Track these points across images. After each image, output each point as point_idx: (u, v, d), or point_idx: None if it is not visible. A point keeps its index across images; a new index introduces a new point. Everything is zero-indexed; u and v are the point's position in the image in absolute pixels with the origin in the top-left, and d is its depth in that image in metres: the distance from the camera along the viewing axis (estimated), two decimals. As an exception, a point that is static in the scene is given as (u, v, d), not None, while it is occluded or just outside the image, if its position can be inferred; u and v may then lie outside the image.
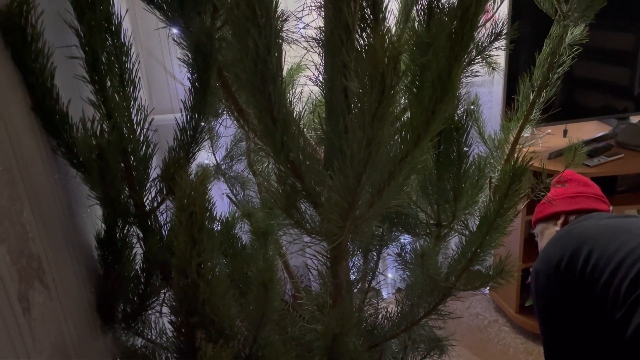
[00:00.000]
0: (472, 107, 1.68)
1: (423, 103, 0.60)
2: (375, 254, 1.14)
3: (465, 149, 0.97)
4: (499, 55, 2.14)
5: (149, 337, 1.03)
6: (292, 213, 0.70)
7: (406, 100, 0.77)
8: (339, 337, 0.78)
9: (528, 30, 1.87)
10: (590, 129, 2.26)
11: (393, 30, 0.95)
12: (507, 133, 1.48)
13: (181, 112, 0.89)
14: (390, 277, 2.17)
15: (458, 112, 0.95)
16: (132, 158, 0.89)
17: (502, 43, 1.21)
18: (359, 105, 0.56)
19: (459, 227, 1.05)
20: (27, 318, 0.64)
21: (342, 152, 0.63)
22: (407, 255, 0.99)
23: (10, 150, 0.67)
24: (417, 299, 0.97)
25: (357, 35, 0.66)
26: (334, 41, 0.65)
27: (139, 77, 0.90)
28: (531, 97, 1.37)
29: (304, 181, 0.66)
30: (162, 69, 1.93)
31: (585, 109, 2.14)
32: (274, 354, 0.84)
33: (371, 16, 0.68)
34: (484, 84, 2.20)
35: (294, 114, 0.62)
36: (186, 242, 0.63)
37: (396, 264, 1.01)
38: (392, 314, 1.05)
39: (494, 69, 1.38)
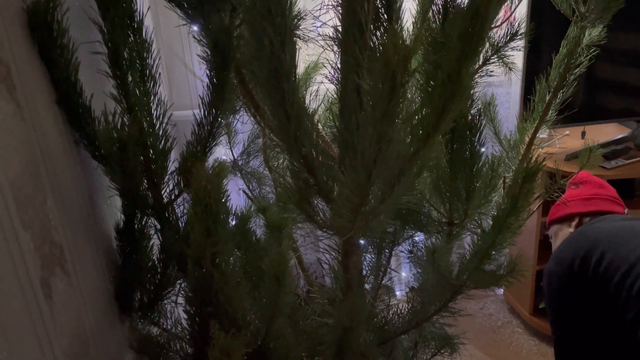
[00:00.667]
0: (487, 106, 1.69)
1: (433, 101, 0.61)
2: (387, 251, 1.16)
3: (479, 148, 0.98)
4: (516, 56, 2.13)
5: (164, 326, 1.05)
6: (305, 207, 0.71)
7: (418, 99, 0.78)
8: (349, 331, 0.79)
9: (547, 31, 1.86)
10: (609, 131, 2.24)
11: (408, 30, 0.96)
12: (523, 134, 1.48)
13: (199, 107, 0.91)
14: (403, 275, 2.18)
15: (472, 111, 0.96)
16: (152, 151, 0.92)
17: (519, 43, 1.21)
18: (370, 102, 0.57)
19: (472, 226, 1.06)
20: (49, 303, 0.67)
21: (353, 148, 0.64)
22: (419, 252, 1.00)
23: (36, 142, 0.70)
24: (429, 296, 0.98)
25: (371, 35, 0.68)
26: (348, 40, 0.67)
27: (159, 73, 0.92)
28: (547, 98, 1.36)
29: (316, 176, 0.68)
30: (182, 66, 1.96)
31: (604, 111, 2.12)
32: (285, 345, 0.85)
33: (385, 16, 0.69)
34: (502, 84, 2.19)
35: (308, 110, 0.63)
36: (201, 233, 0.66)
37: (408, 261, 1.02)
38: (403, 311, 1.07)
39: (510, 69, 1.38)
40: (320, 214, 0.73)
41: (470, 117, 0.95)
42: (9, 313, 0.57)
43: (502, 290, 2.41)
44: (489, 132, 1.69)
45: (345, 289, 0.86)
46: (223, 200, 0.63)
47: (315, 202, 0.72)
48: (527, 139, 1.44)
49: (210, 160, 0.99)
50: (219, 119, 0.92)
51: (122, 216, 0.95)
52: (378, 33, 0.69)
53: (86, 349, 0.79)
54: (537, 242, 2.07)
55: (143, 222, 0.96)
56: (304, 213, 0.71)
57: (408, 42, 0.52)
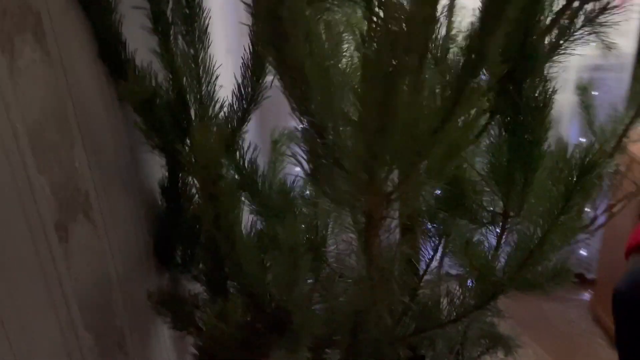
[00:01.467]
0: (583, 91, 1.51)
1: (456, 71, 0.54)
2: (436, 239, 1.08)
3: (543, 133, 0.87)
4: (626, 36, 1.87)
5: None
6: (316, 178, 0.68)
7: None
8: (359, 315, 0.75)
9: (671, 10, 1.62)
10: None
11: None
12: (622, 124, 1.32)
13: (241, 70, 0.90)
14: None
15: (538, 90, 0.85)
16: (195, 113, 0.92)
17: (614, 18, 1.05)
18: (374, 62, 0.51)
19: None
20: (63, 246, 0.70)
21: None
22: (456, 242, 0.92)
23: (66, 91, 0.72)
24: (466, 291, 0.91)
25: None
26: None
27: (209, 33, 0.91)
28: (650, 86, 1.19)
29: (327, 141, 0.63)
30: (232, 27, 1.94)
31: None
32: (299, 319, 0.83)
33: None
34: (613, 68, 1.96)
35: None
36: (204, 197, 0.64)
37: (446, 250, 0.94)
38: (442, 303, 0.99)
39: (609, 48, 1.21)
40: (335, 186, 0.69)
41: (537, 95, 0.84)
42: (10, 251, 0.59)
43: (588, 296, 2.20)
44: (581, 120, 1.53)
45: (368, 268, 0.81)
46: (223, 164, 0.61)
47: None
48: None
49: (251, 126, 0.97)
50: (260, 83, 0.90)
51: (166, 173, 0.98)
52: None
53: (108, 295, 0.82)
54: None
55: (185, 182, 0.98)
56: (314, 184, 0.67)
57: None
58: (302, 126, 0.64)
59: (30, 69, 0.64)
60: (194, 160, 0.61)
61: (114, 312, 0.84)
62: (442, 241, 1.11)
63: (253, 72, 0.89)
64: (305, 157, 0.67)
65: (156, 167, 1.02)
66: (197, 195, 0.94)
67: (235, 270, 0.74)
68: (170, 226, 1.01)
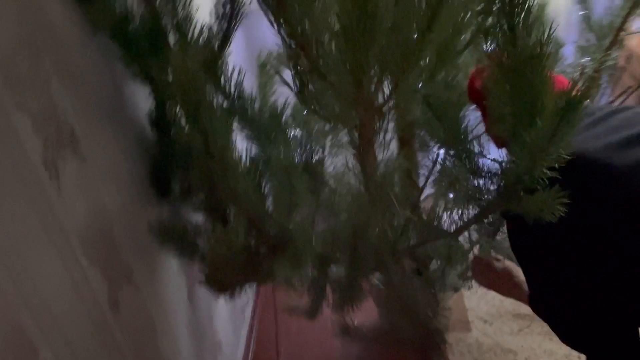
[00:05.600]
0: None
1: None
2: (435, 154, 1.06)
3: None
4: None
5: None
6: (303, 96, 0.65)
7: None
8: (359, 228, 0.75)
9: None
10: None
11: None
12: (619, 16, 1.27)
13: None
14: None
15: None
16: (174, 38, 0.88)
17: None
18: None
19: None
20: (56, 182, 0.69)
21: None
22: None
23: (35, 23, 0.68)
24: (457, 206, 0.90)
25: None
26: None
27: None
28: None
29: (309, 54, 0.61)
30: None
31: None
32: (301, 238, 0.84)
33: None
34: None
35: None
36: (189, 122, 0.63)
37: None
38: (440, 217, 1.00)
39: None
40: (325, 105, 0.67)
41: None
42: (4, 192, 0.58)
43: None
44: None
45: (364, 183, 0.81)
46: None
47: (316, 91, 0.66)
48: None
49: (239, 51, 0.94)
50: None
51: (154, 103, 0.95)
52: None
53: (108, 229, 0.82)
54: None
55: (174, 110, 0.95)
56: (303, 103, 0.65)
57: None
58: (287, 44, 0.61)
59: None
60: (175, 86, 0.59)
61: (118, 246, 0.85)
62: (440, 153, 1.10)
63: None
64: (292, 76, 0.64)
65: (143, 98, 1.00)
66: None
67: (231, 196, 0.74)
68: (164, 157, 1.00)
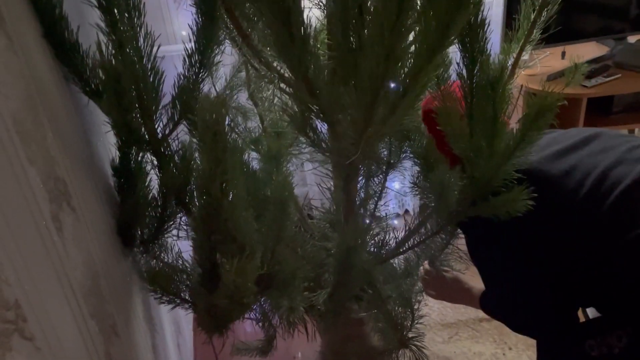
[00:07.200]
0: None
1: (438, 17, 0.61)
2: (382, 176, 1.17)
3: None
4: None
5: (165, 260, 1.07)
6: (308, 133, 0.72)
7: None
8: (353, 250, 0.82)
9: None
10: (588, 50, 2.26)
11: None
12: (507, 55, 1.49)
13: (182, 40, 0.89)
14: (392, 206, 2.22)
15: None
16: (142, 85, 0.90)
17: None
18: (376, 19, 0.57)
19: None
20: (61, 237, 0.68)
21: (356, 69, 0.64)
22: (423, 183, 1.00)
23: (30, 77, 0.68)
24: (431, 220, 1.00)
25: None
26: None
27: (144, 3, 0.89)
28: (532, 17, 1.36)
29: (319, 99, 0.68)
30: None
31: (582, 30, 2.13)
32: (290, 268, 0.88)
33: None
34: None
35: (311, 32, 0.63)
36: (210, 162, 0.66)
37: (413, 192, 1.03)
38: (398, 234, 1.10)
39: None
40: (323, 138, 0.74)
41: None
42: (28, 249, 0.57)
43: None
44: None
45: (347, 211, 0.88)
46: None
47: (319, 127, 0.73)
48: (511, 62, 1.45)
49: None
50: (212, 48, 0.90)
51: (118, 153, 0.95)
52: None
53: (97, 282, 0.80)
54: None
55: (139, 158, 0.96)
56: (308, 139, 0.72)
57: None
58: (295, 86, 0.68)
59: (2, 57, 0.60)
60: (201, 128, 0.63)
61: (105, 297, 0.83)
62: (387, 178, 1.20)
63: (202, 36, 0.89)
64: (296, 115, 0.71)
65: (104, 148, 0.99)
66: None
67: (233, 232, 0.77)
68: (128, 206, 1.00)
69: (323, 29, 0.96)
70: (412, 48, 0.63)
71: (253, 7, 0.66)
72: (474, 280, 1.16)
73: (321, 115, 0.69)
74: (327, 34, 0.76)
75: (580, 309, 1.15)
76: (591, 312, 1.31)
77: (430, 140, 1.01)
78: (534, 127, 0.76)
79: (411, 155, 1.02)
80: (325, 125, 0.72)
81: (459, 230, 1.03)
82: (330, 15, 0.72)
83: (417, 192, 1.01)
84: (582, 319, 1.06)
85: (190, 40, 0.89)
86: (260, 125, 1.58)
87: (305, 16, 0.73)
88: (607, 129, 1.03)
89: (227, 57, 1.50)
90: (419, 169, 1.01)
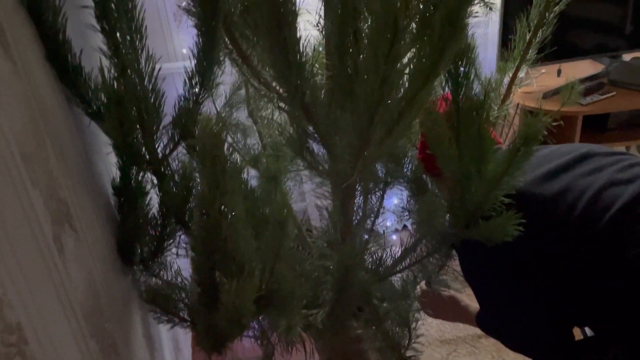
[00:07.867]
0: (467, 49, 1.70)
1: (432, 43, 0.63)
2: (379, 194, 1.18)
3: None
4: (495, -4, 2.13)
5: (165, 278, 1.08)
6: (305, 155, 0.73)
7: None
8: (351, 269, 0.83)
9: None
10: (584, 68, 2.29)
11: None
12: (503, 74, 1.51)
13: (189, 59, 0.91)
14: (390, 223, 2.23)
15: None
16: (143, 106, 0.91)
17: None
18: (370, 47, 0.58)
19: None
20: (62, 258, 0.69)
21: (352, 94, 0.66)
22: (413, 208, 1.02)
23: (33, 99, 0.69)
24: (421, 239, 1.01)
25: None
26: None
27: (145, 26, 0.91)
28: (528, 37, 1.38)
29: (317, 123, 0.69)
30: (159, 16, 1.92)
31: (578, 48, 2.15)
32: (289, 287, 0.89)
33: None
34: (479, 25, 2.19)
35: (307, 58, 0.64)
36: (210, 184, 0.67)
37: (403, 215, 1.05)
38: (395, 252, 1.11)
39: (490, 9, 1.38)
40: (320, 161, 0.76)
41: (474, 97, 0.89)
42: (30, 271, 0.58)
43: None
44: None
45: (344, 231, 0.89)
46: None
47: (316, 149, 0.74)
48: (507, 80, 1.47)
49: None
50: (212, 69, 0.92)
51: (118, 172, 0.96)
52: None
53: (97, 301, 0.81)
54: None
55: (139, 178, 0.97)
56: (305, 161, 0.73)
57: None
58: (292, 110, 0.69)
59: (4, 79, 0.61)
60: (200, 148, 0.64)
61: (105, 316, 0.84)
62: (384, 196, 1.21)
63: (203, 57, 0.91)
64: (293, 138, 0.72)
65: (105, 168, 1.00)
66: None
67: (232, 252, 0.78)
68: (128, 225, 1.01)
69: (321, 50, 0.99)
70: (408, 70, 0.66)
71: (251, 32, 0.68)
72: (471, 299, 1.17)
73: (318, 137, 0.71)
74: (325, 56, 0.77)
75: (579, 330, 1.16)
76: (589, 333, 1.31)
77: (419, 164, 1.02)
78: (521, 155, 0.78)
79: (401, 180, 1.03)
80: (322, 147, 0.74)
81: (454, 251, 1.04)
82: (328, 39, 0.74)
83: (407, 217, 1.03)
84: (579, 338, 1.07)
85: (190, 60, 0.91)
86: (259, 142, 1.60)
87: (303, 40, 0.75)
88: (598, 146, 1.04)
89: (227, 75, 1.53)
90: (409, 193, 1.02)
